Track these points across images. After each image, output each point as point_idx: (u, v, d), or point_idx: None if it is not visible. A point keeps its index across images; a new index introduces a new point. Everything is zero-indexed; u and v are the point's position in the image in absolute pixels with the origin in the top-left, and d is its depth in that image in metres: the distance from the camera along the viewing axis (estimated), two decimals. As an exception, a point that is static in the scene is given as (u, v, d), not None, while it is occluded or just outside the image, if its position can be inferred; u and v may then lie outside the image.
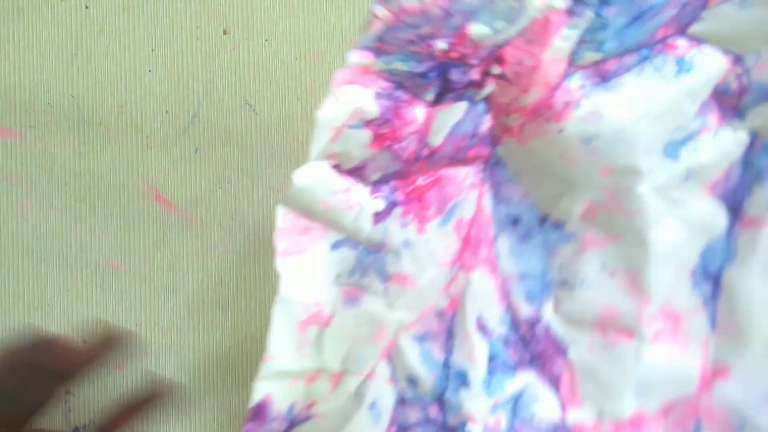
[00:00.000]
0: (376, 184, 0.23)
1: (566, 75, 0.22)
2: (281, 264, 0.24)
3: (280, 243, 0.23)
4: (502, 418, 0.21)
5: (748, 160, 0.22)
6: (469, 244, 0.23)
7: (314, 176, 0.24)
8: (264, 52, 0.47)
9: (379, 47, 0.23)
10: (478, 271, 0.22)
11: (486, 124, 0.23)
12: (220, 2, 0.47)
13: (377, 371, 0.23)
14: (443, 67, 0.22)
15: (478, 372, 0.21)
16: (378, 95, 0.23)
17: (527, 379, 0.22)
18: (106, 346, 0.30)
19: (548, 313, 0.23)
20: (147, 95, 0.47)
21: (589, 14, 0.20)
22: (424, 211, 0.22)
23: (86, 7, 0.46)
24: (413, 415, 0.21)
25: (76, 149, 0.46)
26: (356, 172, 0.24)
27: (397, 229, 0.22)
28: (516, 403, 0.20)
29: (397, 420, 0.21)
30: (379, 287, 0.23)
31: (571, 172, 0.23)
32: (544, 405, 0.22)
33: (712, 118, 0.23)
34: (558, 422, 0.22)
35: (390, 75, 0.23)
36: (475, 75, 0.22)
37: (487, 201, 0.22)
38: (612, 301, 0.23)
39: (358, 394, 0.22)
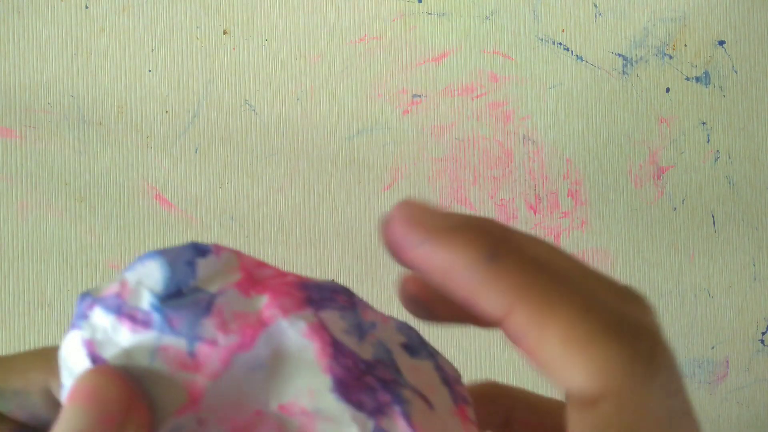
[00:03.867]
0: None
1: None
2: None
3: None
4: None
5: None
6: None
7: None
8: (264, 52, 0.47)
9: None
10: None
11: None
12: (220, 2, 0.47)
13: None
14: None
15: None
16: None
17: None
18: None
19: None
20: (147, 95, 0.47)
21: None
22: None
23: (86, 7, 0.46)
24: None
25: (76, 149, 0.46)
26: None
27: None
28: None
29: None
30: None
31: None
32: None
33: None
34: None
35: None
36: None
37: None
38: None
39: None
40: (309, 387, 0.16)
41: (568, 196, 0.50)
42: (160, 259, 0.17)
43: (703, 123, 0.52)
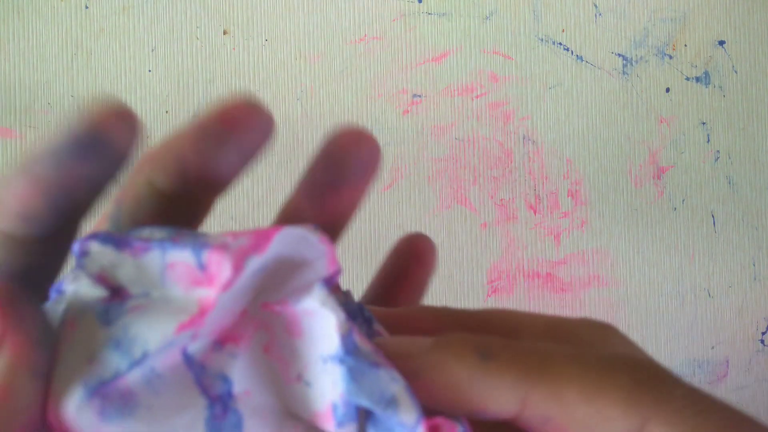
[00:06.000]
0: None
1: None
2: None
3: None
4: None
5: None
6: None
7: None
8: (264, 52, 0.47)
9: None
10: None
11: None
12: (220, 2, 0.47)
13: None
14: None
15: None
16: None
17: None
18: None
19: None
20: (147, 95, 0.47)
21: None
22: None
23: (86, 7, 0.46)
24: None
25: (76, 149, 0.46)
26: None
27: None
28: None
29: None
30: None
31: None
32: None
33: None
34: None
35: None
36: None
37: None
38: None
39: None
40: (304, 286, 0.16)
41: (568, 196, 0.50)
42: None
43: (703, 123, 0.52)
